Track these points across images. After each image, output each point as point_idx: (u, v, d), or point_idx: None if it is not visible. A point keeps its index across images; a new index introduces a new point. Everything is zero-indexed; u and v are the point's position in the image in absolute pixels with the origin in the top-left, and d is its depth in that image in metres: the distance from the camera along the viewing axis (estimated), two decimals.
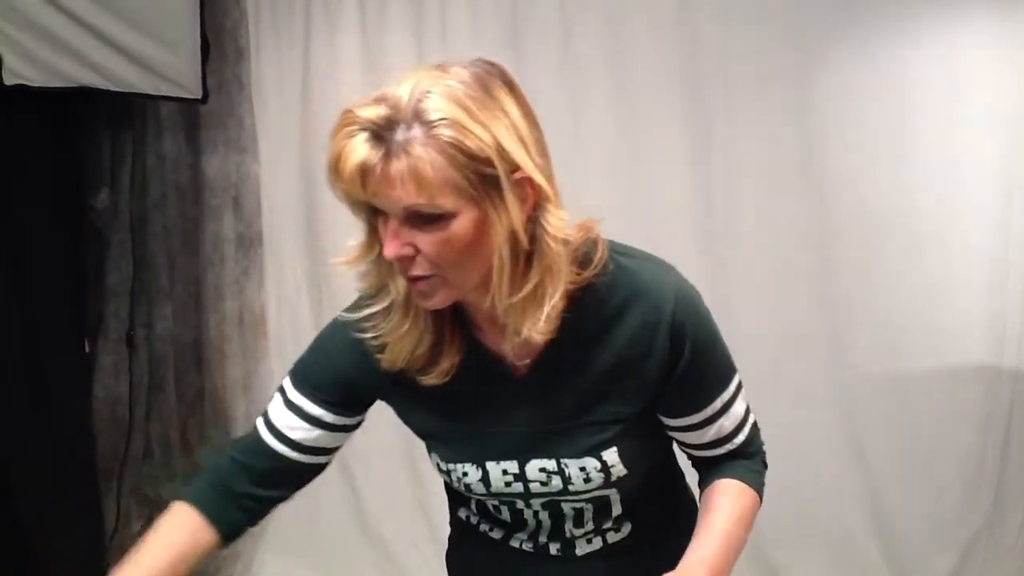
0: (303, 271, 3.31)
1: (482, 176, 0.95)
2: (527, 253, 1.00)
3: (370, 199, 0.98)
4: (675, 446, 1.29)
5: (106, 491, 3.14)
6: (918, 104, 2.99)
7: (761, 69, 3.03)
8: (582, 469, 1.13)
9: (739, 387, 1.21)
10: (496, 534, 1.29)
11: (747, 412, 1.24)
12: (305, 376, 1.19)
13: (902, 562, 3.04)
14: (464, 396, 1.14)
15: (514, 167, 0.97)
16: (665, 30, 3.05)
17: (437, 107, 0.94)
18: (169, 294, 3.23)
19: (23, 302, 2.71)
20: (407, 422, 1.21)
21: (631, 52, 3.01)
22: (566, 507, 1.20)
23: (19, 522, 2.62)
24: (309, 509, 3.27)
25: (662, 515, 1.28)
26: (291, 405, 1.18)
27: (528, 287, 1.01)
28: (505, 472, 1.15)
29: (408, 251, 0.98)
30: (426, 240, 0.97)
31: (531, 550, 1.26)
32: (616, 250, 1.11)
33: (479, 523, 1.30)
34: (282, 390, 1.20)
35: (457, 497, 1.32)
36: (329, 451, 1.21)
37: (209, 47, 2.87)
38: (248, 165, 3.20)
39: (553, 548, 1.25)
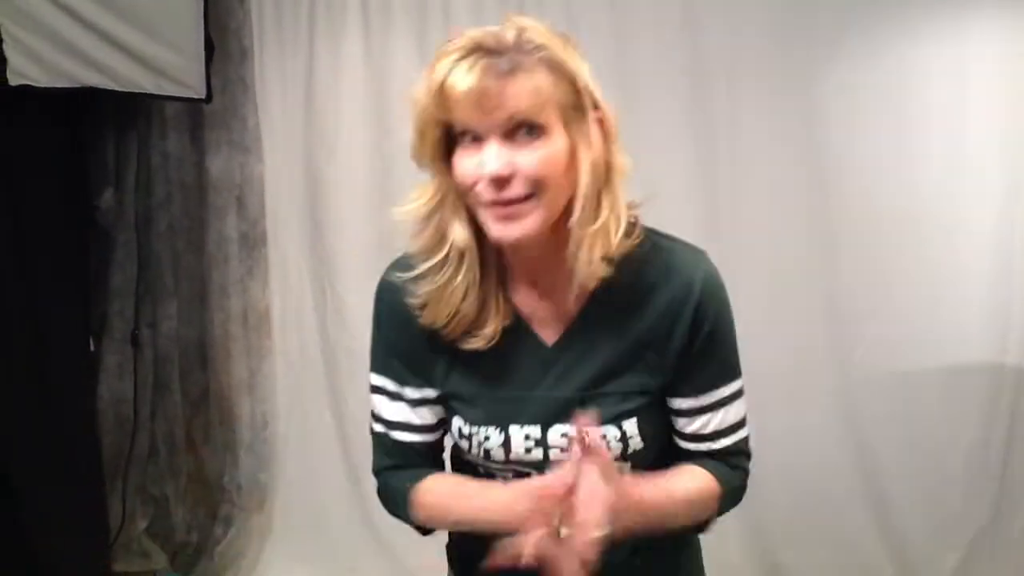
0: (307, 270, 3.32)
1: (574, 105, 1.05)
2: (598, 190, 1.08)
3: (471, 122, 1.03)
4: None
5: (111, 490, 3.16)
6: (922, 103, 2.99)
7: (766, 69, 3.03)
8: (603, 437, 1.13)
9: (741, 392, 1.22)
10: None
11: (742, 423, 1.24)
12: (383, 364, 1.25)
13: (907, 559, 3.04)
14: (498, 361, 1.18)
15: (595, 104, 1.08)
16: (670, 30, 3.05)
17: (540, 37, 1.04)
18: (174, 293, 3.24)
19: (28, 302, 2.72)
20: (443, 383, 1.22)
21: (636, 54, 3.01)
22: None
23: (24, 521, 2.63)
24: (316, 512, 3.29)
25: None
26: (388, 394, 1.25)
27: (600, 220, 1.08)
28: (527, 437, 1.17)
29: (508, 170, 1.03)
30: (528, 157, 1.03)
31: None
32: (653, 231, 1.18)
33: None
34: (376, 388, 1.26)
35: (468, 470, 1.33)
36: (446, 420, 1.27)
37: (213, 47, 2.88)
38: (252, 165, 3.21)
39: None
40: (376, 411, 1.28)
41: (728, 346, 1.20)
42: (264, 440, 3.31)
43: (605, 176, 1.09)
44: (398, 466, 1.27)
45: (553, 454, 1.17)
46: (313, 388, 3.31)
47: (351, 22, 3.21)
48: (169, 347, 3.24)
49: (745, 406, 1.24)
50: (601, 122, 1.09)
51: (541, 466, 1.18)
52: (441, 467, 1.32)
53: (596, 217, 1.08)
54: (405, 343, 1.21)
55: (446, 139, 1.08)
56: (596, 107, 1.08)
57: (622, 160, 1.11)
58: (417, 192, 1.14)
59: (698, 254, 1.19)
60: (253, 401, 3.29)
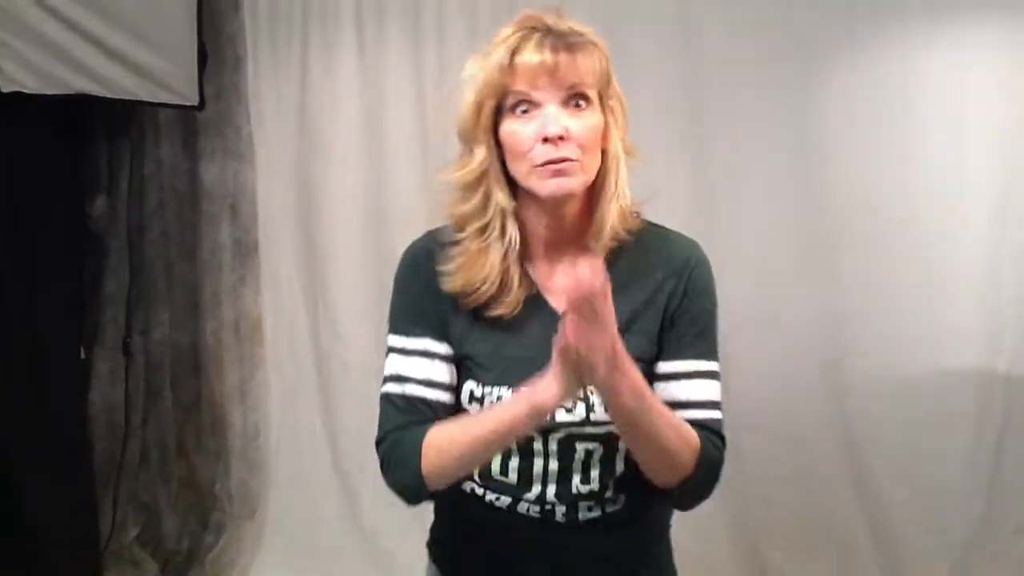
0: (299, 278, 3.32)
1: (606, 87, 1.24)
2: (618, 163, 1.26)
3: (536, 90, 1.19)
4: None
5: (102, 497, 3.14)
6: (918, 111, 3.00)
7: (762, 76, 3.04)
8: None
9: (717, 375, 1.29)
10: (503, 501, 1.32)
11: (717, 405, 1.29)
12: (409, 322, 1.31)
13: (898, 565, 3.04)
14: (512, 327, 1.27)
15: (616, 92, 1.27)
16: (665, 37, 3.06)
17: (580, 26, 1.24)
18: (166, 301, 3.24)
19: (21, 308, 2.72)
20: (461, 345, 1.29)
21: (631, 61, 3.01)
22: (579, 447, 1.27)
23: (15, 528, 2.62)
24: (307, 521, 3.28)
25: (651, 495, 1.32)
26: (413, 352, 1.30)
27: (618, 190, 1.26)
28: None
29: (564, 132, 1.18)
30: (578, 124, 1.19)
31: (538, 515, 1.30)
32: (652, 222, 1.34)
33: (484, 492, 1.33)
34: (394, 349, 1.31)
35: None
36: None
37: (207, 55, 2.88)
38: (245, 173, 3.21)
39: (559, 512, 1.30)
40: (392, 372, 1.30)
41: (710, 323, 1.30)
42: (256, 448, 3.30)
43: (622, 151, 1.27)
44: (410, 423, 1.27)
45: (559, 414, 1.23)
46: (305, 396, 3.31)
47: (345, 31, 3.22)
48: (161, 354, 3.24)
49: (720, 393, 1.29)
50: (620, 108, 1.27)
51: (546, 428, 1.25)
52: None
53: (616, 186, 1.25)
54: (428, 302, 1.29)
55: (495, 113, 1.22)
56: (617, 95, 1.27)
57: (631, 144, 1.28)
58: (461, 163, 1.27)
59: (693, 241, 1.34)
60: (245, 409, 3.29)
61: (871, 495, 3.08)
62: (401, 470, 1.26)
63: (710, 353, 1.29)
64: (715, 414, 1.28)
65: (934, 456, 3.03)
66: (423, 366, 1.29)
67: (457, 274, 1.26)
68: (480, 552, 1.38)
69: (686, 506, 1.31)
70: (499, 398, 1.25)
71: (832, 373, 3.06)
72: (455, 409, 1.31)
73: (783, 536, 3.07)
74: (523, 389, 1.15)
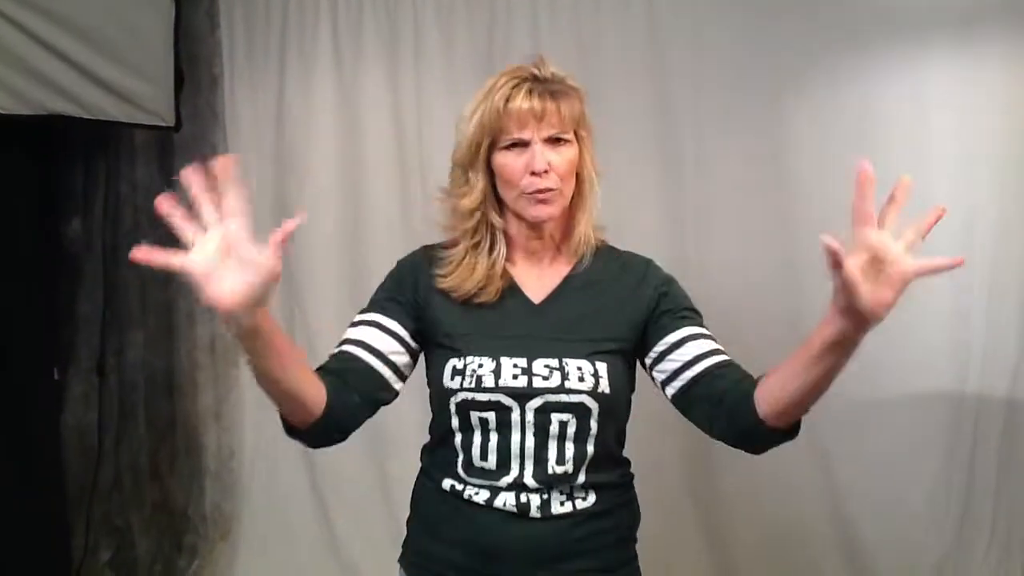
0: (275, 298, 3.30)
1: (581, 123, 1.48)
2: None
3: (525, 132, 1.42)
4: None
5: (75, 521, 3.11)
6: (885, 134, 3.04)
7: (732, 95, 3.07)
8: (579, 368, 1.42)
9: (714, 337, 1.48)
10: (481, 496, 1.44)
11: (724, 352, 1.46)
12: (371, 303, 1.53)
13: None
14: (495, 313, 1.48)
15: (587, 123, 1.50)
16: (636, 56, 3.09)
17: (564, 73, 1.48)
18: (141, 322, 3.22)
19: None
20: (444, 324, 1.49)
21: (603, 79, 3.05)
22: (554, 419, 1.41)
23: None
24: (282, 543, 3.26)
25: (617, 496, 1.53)
26: (362, 323, 1.49)
27: (590, 207, 1.52)
28: (515, 366, 1.42)
29: (547, 166, 1.42)
30: (559, 160, 1.44)
31: (514, 508, 1.42)
32: (613, 246, 1.59)
33: (464, 488, 1.46)
34: (352, 323, 1.50)
35: (444, 468, 1.50)
36: (395, 366, 1.47)
37: (183, 76, 2.88)
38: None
39: (534, 506, 1.42)
40: (341, 338, 1.48)
41: (687, 300, 1.53)
42: (230, 469, 3.29)
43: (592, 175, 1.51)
44: (322, 368, 1.41)
45: (536, 381, 1.41)
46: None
47: (322, 51, 3.23)
48: (135, 376, 3.22)
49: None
50: (589, 135, 1.51)
51: (526, 395, 1.41)
52: (365, 394, 1.44)
53: (588, 203, 1.51)
54: (411, 294, 1.50)
55: (488, 149, 1.45)
56: (587, 124, 1.50)
57: (599, 165, 1.53)
58: (462, 191, 1.50)
59: (647, 258, 1.59)
60: (219, 430, 3.27)
61: (843, 518, 3.09)
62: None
63: (702, 322, 1.51)
64: (729, 356, 1.45)
65: (905, 480, 3.05)
66: (363, 331, 1.47)
67: (452, 277, 1.49)
68: (454, 550, 1.48)
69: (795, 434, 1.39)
70: (480, 365, 1.42)
71: None
72: (377, 375, 1.44)
73: (755, 556, 3.08)
74: None
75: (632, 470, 1.59)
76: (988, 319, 3.01)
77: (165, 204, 1.07)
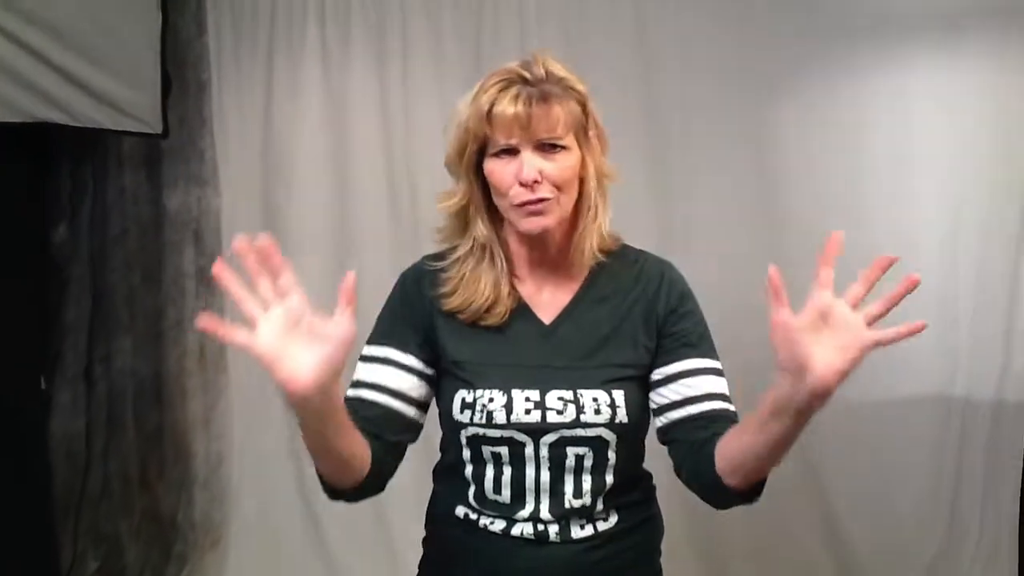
0: None
1: (583, 124, 1.33)
2: (594, 191, 1.36)
3: (512, 138, 1.28)
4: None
5: (62, 530, 3.09)
6: (873, 140, 3.07)
7: (720, 99, 3.10)
8: (594, 400, 1.31)
9: (720, 372, 1.36)
10: (496, 526, 1.36)
11: (728, 397, 1.35)
12: (380, 333, 1.40)
13: None
14: (503, 336, 1.37)
15: (594, 123, 1.36)
16: (624, 63, 3.11)
17: (560, 71, 1.32)
18: (129, 328, 3.20)
19: None
20: (450, 350, 1.37)
21: (591, 85, 3.05)
22: (570, 453, 1.32)
23: None
24: (271, 550, 3.25)
25: (639, 513, 1.43)
26: (375, 359, 1.37)
27: (598, 216, 1.36)
28: (527, 399, 1.32)
29: (539, 176, 1.28)
30: (552, 168, 1.29)
31: (531, 536, 1.34)
32: (628, 245, 1.44)
33: (479, 518, 1.38)
34: (363, 357, 1.38)
35: (455, 495, 1.41)
36: (418, 402, 1.38)
37: (170, 82, 2.87)
38: (209, 199, 3.19)
39: (552, 532, 1.34)
40: (354, 379, 1.36)
41: (704, 326, 1.40)
42: (219, 477, 3.27)
43: (599, 181, 1.36)
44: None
45: (550, 416, 1.31)
46: (269, 423, 3.28)
47: (309, 56, 3.23)
48: (123, 383, 3.20)
49: (727, 389, 1.36)
50: (598, 136, 1.36)
51: (539, 430, 1.31)
52: (398, 443, 1.36)
53: (595, 213, 1.35)
54: (407, 317, 1.39)
55: (478, 153, 1.32)
56: (596, 125, 1.36)
57: (610, 168, 1.37)
58: (447, 195, 1.38)
59: (666, 260, 1.45)
60: (208, 438, 3.26)
61: (832, 522, 3.11)
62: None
63: (713, 353, 1.38)
64: (732, 407, 1.35)
65: (894, 482, 3.07)
66: (379, 371, 1.35)
67: (454, 295, 1.36)
68: (470, 574, 1.40)
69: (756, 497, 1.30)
70: (491, 399, 1.31)
71: None
72: (403, 417, 1.35)
73: (745, 560, 3.08)
74: None
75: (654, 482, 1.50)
76: (974, 321, 3.03)
77: (224, 275, 1.03)
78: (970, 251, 3.02)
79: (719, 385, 1.35)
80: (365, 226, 3.22)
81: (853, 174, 3.07)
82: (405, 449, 1.37)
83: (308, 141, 3.24)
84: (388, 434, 1.32)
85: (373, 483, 1.30)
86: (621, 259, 1.41)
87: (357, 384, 1.35)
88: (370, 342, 1.39)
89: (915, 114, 3.03)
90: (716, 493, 1.28)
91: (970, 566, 3.05)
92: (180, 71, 3.04)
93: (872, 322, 1.10)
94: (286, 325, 1.03)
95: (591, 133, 1.35)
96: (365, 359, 1.37)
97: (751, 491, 1.26)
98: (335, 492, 1.29)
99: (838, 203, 3.06)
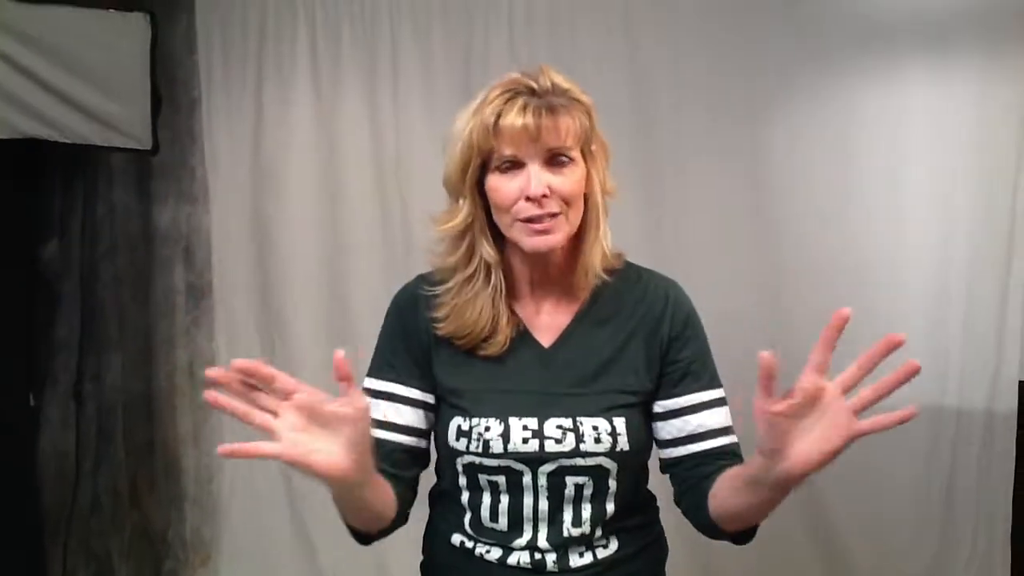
0: (254, 321, 3.29)
1: (587, 137, 1.28)
2: (599, 205, 1.31)
3: (518, 151, 1.24)
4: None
5: (52, 547, 3.07)
6: (862, 152, 3.09)
7: (712, 114, 3.12)
8: (595, 428, 1.27)
9: (723, 401, 1.35)
10: (493, 554, 1.34)
11: (730, 430, 1.33)
12: (380, 367, 1.36)
13: None
14: (500, 361, 1.32)
15: (598, 136, 1.31)
16: (615, 76, 3.12)
17: (565, 82, 1.28)
18: (118, 345, 3.19)
19: None
20: (447, 378, 1.34)
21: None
22: (569, 482, 1.29)
23: None
24: (262, 567, 3.24)
25: (642, 537, 1.40)
26: (378, 395, 1.33)
27: (601, 231, 1.31)
28: (525, 428, 1.28)
29: (547, 190, 1.23)
30: (560, 181, 1.25)
31: (528, 566, 1.32)
32: (632, 263, 1.39)
33: (475, 546, 1.36)
34: (365, 390, 1.34)
35: (451, 522, 1.39)
36: (426, 432, 1.36)
37: (161, 99, 2.87)
38: (199, 216, 3.19)
39: (550, 561, 1.31)
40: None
41: (707, 352, 1.36)
42: (209, 493, 3.26)
43: (601, 196, 1.31)
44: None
45: (548, 445, 1.27)
46: (260, 439, 3.27)
47: (300, 73, 3.23)
48: (113, 400, 3.18)
49: (729, 418, 1.33)
50: (602, 150, 1.32)
51: (538, 460, 1.28)
52: (411, 478, 1.35)
53: (599, 228, 1.31)
54: (405, 346, 1.34)
55: (479, 170, 1.27)
56: (599, 138, 1.31)
57: (611, 184, 1.33)
58: (447, 215, 1.32)
59: (671, 280, 1.40)
60: (199, 454, 3.24)
61: (825, 531, 3.11)
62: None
63: (716, 381, 1.36)
64: (732, 439, 1.33)
65: (887, 492, 3.08)
66: (385, 408, 1.32)
67: (448, 321, 1.31)
68: None
69: (748, 540, 1.31)
70: (487, 428, 1.28)
71: None
72: (416, 450, 1.34)
73: (737, 570, 3.08)
74: None
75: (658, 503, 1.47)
76: (966, 329, 3.05)
77: (220, 400, 1.01)
78: (960, 262, 3.04)
79: (722, 418, 1.33)
80: (356, 243, 3.22)
81: (844, 187, 3.09)
82: (419, 478, 1.37)
83: (298, 158, 3.24)
84: (404, 471, 1.32)
85: (400, 521, 1.30)
86: (624, 278, 1.36)
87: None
88: (371, 375, 1.36)
89: (905, 126, 3.06)
90: (711, 533, 1.29)
91: (963, 573, 3.05)
92: (170, 88, 3.03)
93: (862, 409, 1.06)
94: (304, 422, 1.03)
95: (595, 147, 1.31)
96: (368, 393, 1.33)
97: (744, 535, 1.27)
98: (366, 538, 1.29)
99: (829, 216, 3.08)
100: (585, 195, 1.29)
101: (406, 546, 1.54)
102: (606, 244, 1.32)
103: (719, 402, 1.34)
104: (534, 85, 1.26)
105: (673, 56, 3.12)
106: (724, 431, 1.32)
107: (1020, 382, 3.02)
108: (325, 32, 3.21)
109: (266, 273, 3.26)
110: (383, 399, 1.33)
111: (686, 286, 1.43)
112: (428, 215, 1.36)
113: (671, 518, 1.45)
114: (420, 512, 1.48)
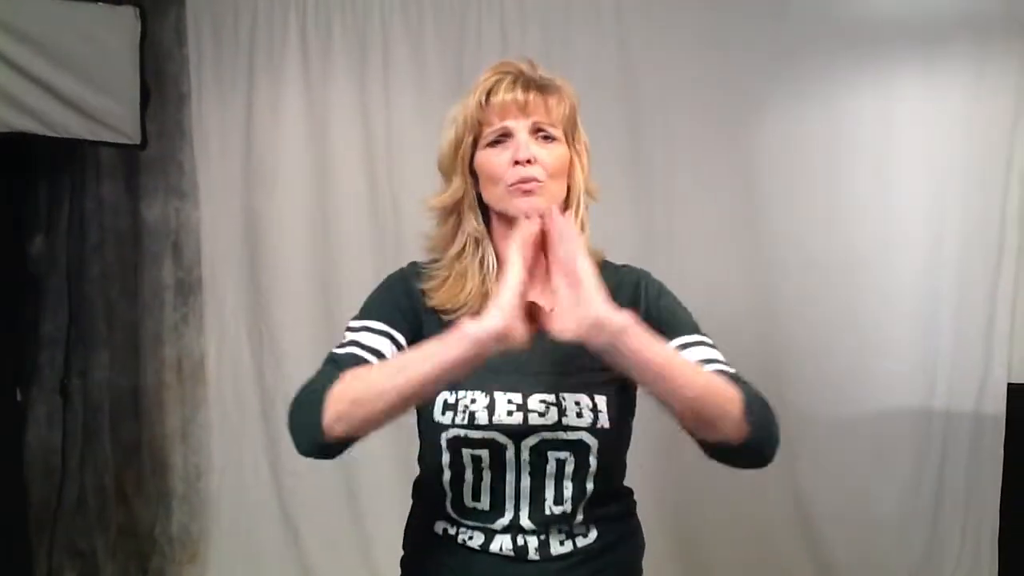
0: (243, 317, 3.28)
1: (572, 128, 1.39)
2: (580, 199, 1.39)
3: (508, 121, 1.33)
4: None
5: (37, 545, 3.06)
6: (853, 155, 3.09)
7: (702, 119, 3.12)
8: (576, 403, 1.32)
9: (712, 344, 1.35)
10: (475, 540, 1.36)
11: (723, 361, 1.32)
12: (373, 311, 1.37)
13: None
14: None
15: (581, 135, 1.41)
16: (607, 82, 3.11)
17: (558, 79, 1.38)
18: (106, 341, 3.17)
19: None
20: None
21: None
22: (551, 457, 1.32)
23: None
24: (250, 565, 3.23)
25: (620, 528, 1.43)
26: (372, 331, 1.34)
27: (580, 221, 1.38)
28: (510, 402, 1.32)
29: (532, 157, 1.32)
30: (545, 154, 1.33)
31: (511, 552, 1.34)
32: (611, 261, 1.46)
33: (457, 532, 1.38)
34: (357, 328, 1.35)
35: (434, 507, 1.40)
36: None
37: (150, 93, 2.86)
38: (188, 211, 3.18)
39: (532, 548, 1.34)
40: (348, 339, 1.32)
41: (683, 310, 1.41)
42: (197, 491, 3.24)
43: (584, 192, 1.39)
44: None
45: (532, 418, 1.31)
46: (249, 437, 3.27)
47: (290, 67, 3.22)
48: (100, 396, 3.17)
49: (713, 352, 1.33)
50: (585, 149, 1.40)
51: (521, 432, 1.31)
52: None
53: (582, 224, 1.38)
54: (402, 303, 1.38)
55: (472, 146, 1.36)
56: (583, 137, 1.40)
57: (593, 186, 1.41)
58: (439, 194, 1.40)
59: (643, 270, 1.47)
60: (187, 451, 3.23)
61: (814, 534, 3.11)
62: (303, 411, 1.22)
63: (694, 328, 1.38)
64: (728, 368, 1.31)
65: (876, 494, 3.08)
66: (375, 340, 1.32)
67: (438, 293, 1.37)
68: None
69: (762, 453, 1.31)
70: (473, 400, 1.31)
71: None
72: None
73: (725, 571, 3.08)
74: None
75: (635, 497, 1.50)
76: (955, 332, 3.05)
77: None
78: (950, 264, 3.05)
79: (700, 354, 1.32)
80: (347, 238, 3.21)
81: (835, 189, 3.09)
82: None
83: (289, 153, 3.22)
84: None
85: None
86: (602, 273, 1.32)
87: (355, 344, 1.31)
88: (361, 317, 1.36)
89: (895, 128, 3.06)
90: (706, 452, 1.29)
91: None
92: (160, 82, 3.02)
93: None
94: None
95: (578, 143, 1.39)
96: (356, 329, 1.33)
97: (719, 448, 1.27)
98: (343, 445, 1.22)
99: (820, 216, 3.09)
100: (568, 186, 1.37)
101: (394, 542, 1.53)
102: (586, 239, 1.37)
103: (698, 343, 1.34)
104: (524, 68, 1.36)
105: (665, 57, 3.12)
106: (705, 363, 1.30)
107: (1008, 385, 3.03)
108: (316, 26, 3.20)
109: (256, 269, 3.25)
110: (374, 333, 1.33)
111: (677, 286, 1.44)
112: (420, 202, 1.42)
113: (652, 515, 1.46)
114: (405, 505, 1.50)
